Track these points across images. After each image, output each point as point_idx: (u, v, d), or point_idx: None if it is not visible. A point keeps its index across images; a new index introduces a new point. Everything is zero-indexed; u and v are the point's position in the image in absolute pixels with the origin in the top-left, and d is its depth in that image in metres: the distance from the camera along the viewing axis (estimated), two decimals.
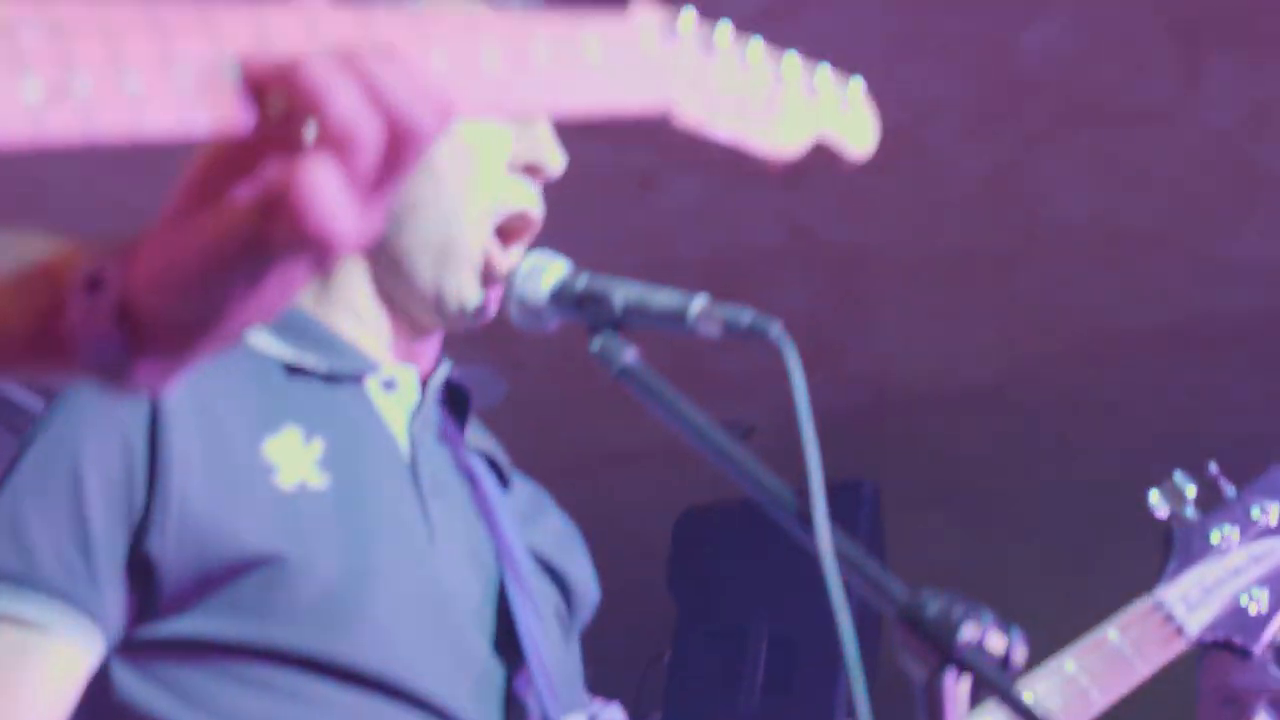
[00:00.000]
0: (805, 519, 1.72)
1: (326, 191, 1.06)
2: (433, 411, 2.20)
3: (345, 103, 1.06)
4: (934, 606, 1.59)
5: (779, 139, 1.51)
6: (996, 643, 1.57)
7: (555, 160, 2.16)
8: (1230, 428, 7.16)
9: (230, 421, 1.96)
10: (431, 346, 2.24)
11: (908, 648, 1.58)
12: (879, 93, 5.54)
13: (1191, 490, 2.48)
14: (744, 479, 1.82)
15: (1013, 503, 7.93)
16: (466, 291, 2.12)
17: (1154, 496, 2.46)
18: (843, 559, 1.68)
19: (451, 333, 2.22)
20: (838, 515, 1.65)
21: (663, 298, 1.92)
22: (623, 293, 1.95)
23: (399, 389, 2.17)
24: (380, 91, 1.08)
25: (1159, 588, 2.35)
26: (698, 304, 1.89)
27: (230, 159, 1.11)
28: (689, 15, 1.43)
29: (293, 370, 2.09)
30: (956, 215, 5.92)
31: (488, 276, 2.12)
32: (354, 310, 2.17)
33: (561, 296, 1.99)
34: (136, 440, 1.89)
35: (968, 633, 1.56)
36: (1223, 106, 5.26)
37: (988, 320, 6.58)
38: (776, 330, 1.83)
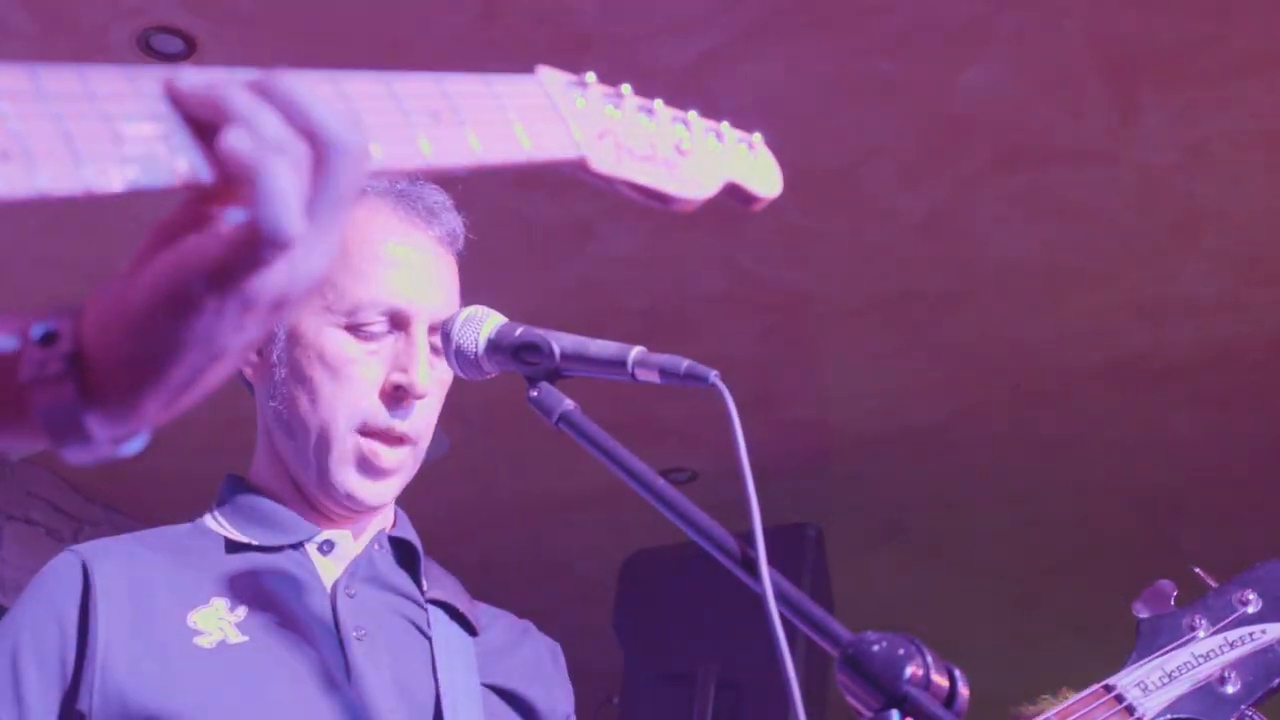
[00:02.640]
0: (748, 563, 1.72)
1: (286, 183, 1.10)
2: (374, 565, 2.31)
3: (272, 121, 1.11)
4: (877, 647, 1.58)
5: (688, 185, 1.57)
6: (940, 682, 1.56)
7: (420, 383, 2.25)
8: (1172, 464, 7.20)
9: (161, 597, 2.16)
10: (378, 518, 2.38)
11: (851, 689, 1.58)
12: (817, 137, 5.65)
13: (1173, 592, 2.49)
14: (685, 524, 1.82)
15: (956, 542, 7.95)
16: (348, 483, 2.26)
17: (1137, 605, 2.47)
18: (786, 602, 1.67)
19: (358, 518, 2.34)
20: (783, 558, 1.66)
21: (600, 346, 1.93)
22: (560, 342, 1.95)
23: (337, 549, 2.30)
24: (299, 110, 1.13)
25: (1114, 675, 2.33)
26: (635, 352, 1.89)
27: (177, 221, 1.16)
28: (592, 75, 1.50)
29: (233, 545, 2.28)
30: (896, 257, 5.95)
31: (369, 468, 2.26)
32: (288, 486, 2.33)
33: (498, 346, 2.00)
34: (68, 615, 2.13)
35: (911, 673, 1.55)
36: (1160, 145, 5.31)
37: (929, 361, 6.60)
38: (713, 376, 1.83)
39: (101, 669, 2.08)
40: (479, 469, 7.00)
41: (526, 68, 1.47)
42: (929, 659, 1.57)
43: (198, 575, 2.21)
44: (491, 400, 6.75)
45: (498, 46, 4.83)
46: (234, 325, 1.15)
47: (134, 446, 1.23)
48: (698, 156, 1.61)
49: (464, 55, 4.81)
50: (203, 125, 1.12)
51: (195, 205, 1.15)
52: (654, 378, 1.88)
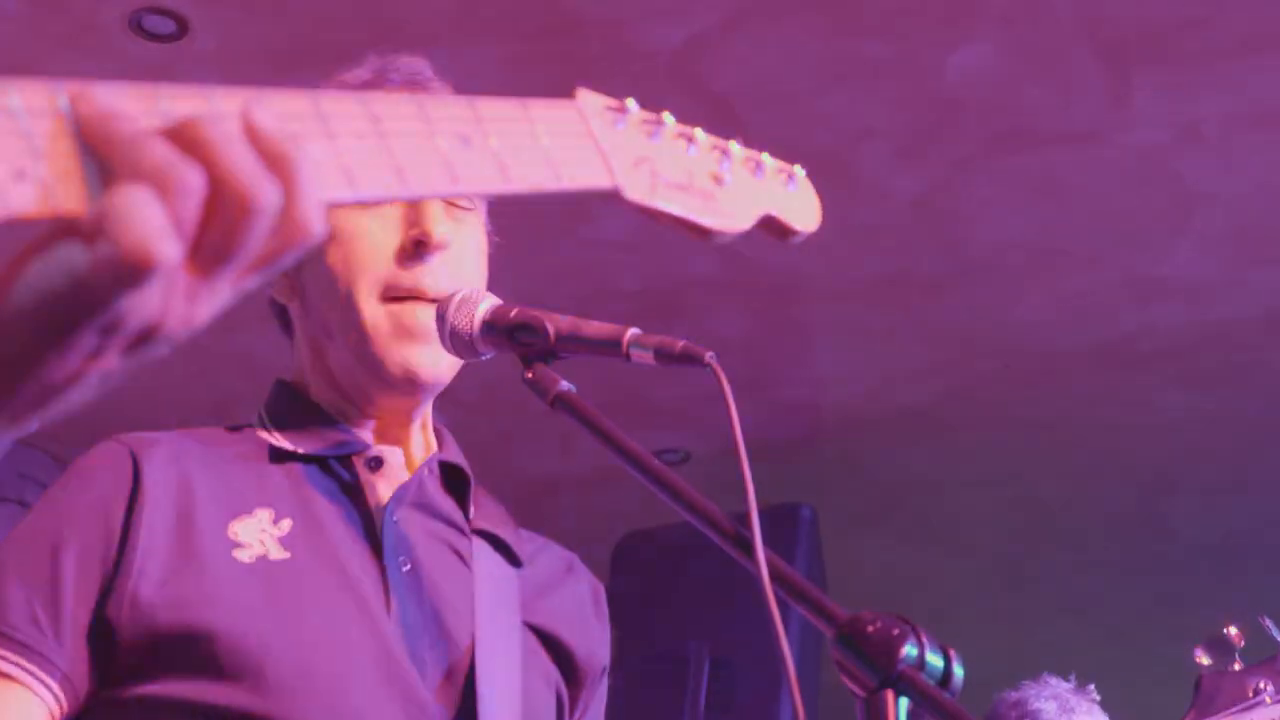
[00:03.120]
0: (743, 543, 1.72)
1: (144, 208, 1.02)
2: (423, 490, 2.23)
3: (159, 148, 1.04)
4: (872, 627, 1.58)
5: (725, 217, 1.55)
6: (935, 662, 1.56)
7: (433, 231, 2.16)
8: (1162, 443, 7.22)
9: (204, 502, 2.05)
10: (421, 431, 2.29)
11: (847, 669, 1.57)
12: (808, 120, 5.65)
13: (1238, 643, 2.38)
14: (679, 504, 1.81)
15: (947, 523, 7.97)
16: (396, 356, 2.16)
17: (1200, 652, 2.36)
18: (781, 582, 1.67)
19: (416, 403, 2.24)
20: (776, 538, 1.66)
21: (595, 327, 1.93)
22: (555, 323, 1.95)
23: (386, 467, 2.21)
24: (202, 144, 1.06)
25: None
26: (630, 333, 1.89)
27: (43, 240, 1.07)
28: (632, 101, 1.48)
29: (278, 453, 2.19)
30: (888, 239, 5.95)
31: (408, 334, 2.16)
32: (337, 396, 2.24)
33: (494, 327, 1.99)
34: (115, 514, 2.01)
35: (906, 653, 1.55)
36: (1151, 125, 5.32)
37: (921, 342, 6.61)
38: (709, 356, 1.83)
39: (137, 576, 1.96)
40: (470, 451, 6.94)
41: (518, 50, 1.46)
42: (924, 639, 1.57)
43: (242, 481, 2.12)
44: (483, 383, 6.75)
45: (489, 27, 4.82)
46: (90, 353, 1.09)
47: None
48: (736, 187, 1.59)
49: (455, 35, 4.80)
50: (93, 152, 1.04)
51: (64, 226, 1.05)
52: (649, 359, 1.88)
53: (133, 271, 1.02)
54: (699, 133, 1.57)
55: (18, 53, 4.96)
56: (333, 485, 2.16)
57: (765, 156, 1.65)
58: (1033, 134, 5.39)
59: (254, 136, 1.08)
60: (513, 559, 2.27)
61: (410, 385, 2.17)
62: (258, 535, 2.05)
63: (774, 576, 1.68)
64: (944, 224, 5.86)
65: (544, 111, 1.38)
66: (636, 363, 1.90)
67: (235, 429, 2.26)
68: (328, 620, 2.02)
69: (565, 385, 1.93)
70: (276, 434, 2.21)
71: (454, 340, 2.03)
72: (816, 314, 6.46)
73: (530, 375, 1.95)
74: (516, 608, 2.22)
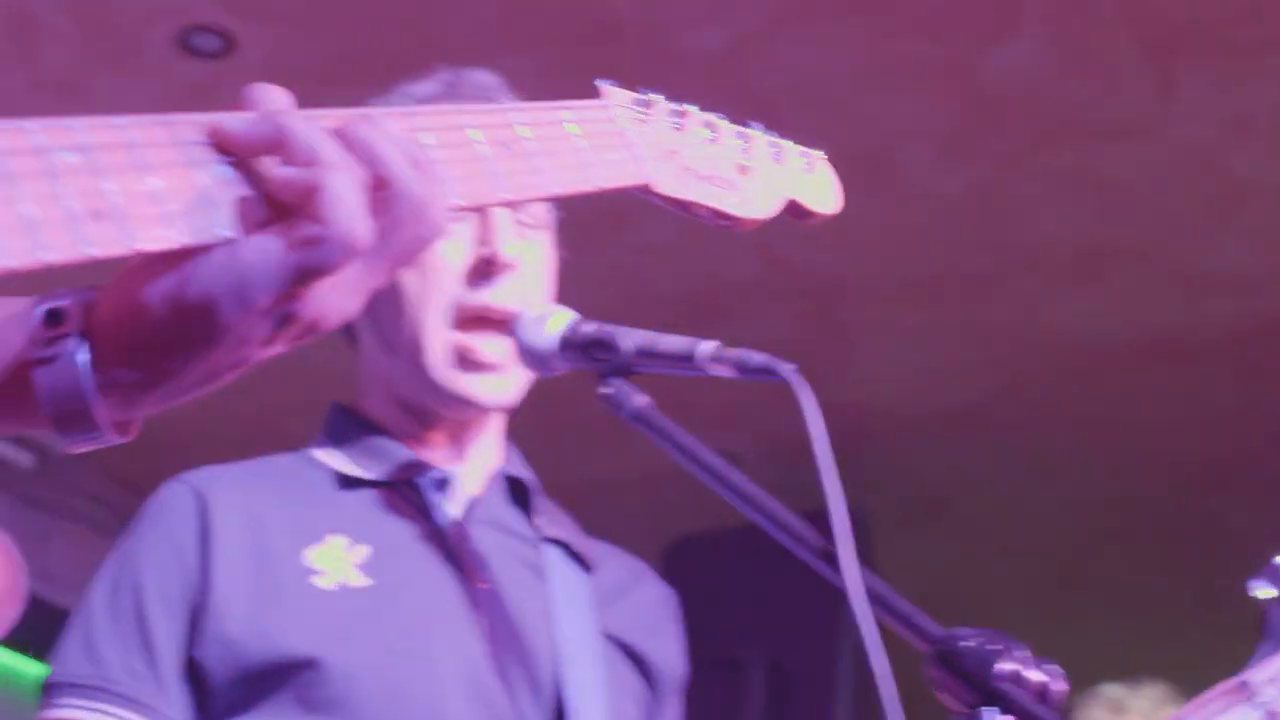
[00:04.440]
0: (829, 558, 1.70)
1: (344, 193, 1.09)
2: (491, 506, 2.22)
3: (332, 145, 1.11)
4: (968, 643, 1.57)
5: (750, 205, 1.59)
6: (1033, 678, 1.55)
7: (503, 250, 2.15)
8: (1214, 439, 7.17)
9: (276, 533, 2.05)
10: (485, 442, 2.27)
11: (944, 686, 1.56)
12: (851, 121, 5.63)
13: None
14: (764, 518, 1.80)
15: (997, 522, 7.93)
16: (455, 385, 2.15)
17: (1259, 586, 2.31)
18: (873, 597, 1.66)
19: (476, 421, 2.23)
20: (829, 535, 1.65)
21: (671, 341, 1.91)
22: (631, 338, 1.93)
23: (452, 486, 2.19)
24: (356, 140, 1.13)
25: (1247, 670, 2.18)
26: (706, 347, 1.88)
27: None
28: (658, 96, 1.52)
29: (346, 480, 2.17)
30: (932, 238, 5.93)
31: (471, 365, 2.15)
32: (399, 414, 2.23)
33: (570, 343, 1.98)
34: (190, 556, 2.02)
35: (1004, 668, 1.53)
36: (1198, 119, 5.28)
37: (967, 342, 6.58)
38: (786, 368, 1.81)
39: (218, 612, 1.97)
40: (522, 451, 6.92)
41: (560, 57, 1.47)
42: (1022, 654, 1.56)
43: (311, 510, 2.11)
44: (534, 382, 6.68)
45: (532, 35, 4.81)
46: (264, 338, 1.13)
47: (128, 435, 1.20)
48: (759, 174, 1.63)
49: (499, 44, 4.79)
50: (252, 164, 1.12)
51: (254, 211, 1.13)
52: (726, 372, 1.86)
53: (340, 252, 1.09)
54: (722, 121, 1.60)
55: (68, 72, 4.97)
56: (402, 507, 2.15)
57: (785, 143, 1.69)
58: (1078, 130, 5.36)
59: (397, 139, 1.15)
60: (584, 565, 2.25)
61: (467, 409, 2.18)
62: (335, 563, 2.04)
63: (866, 591, 1.66)
64: (989, 222, 5.83)
65: (575, 113, 1.40)
66: (713, 375, 1.88)
67: (293, 454, 2.25)
68: (416, 644, 2.01)
69: (643, 400, 1.92)
70: (340, 458, 2.20)
71: (529, 356, 2.02)
72: (861, 315, 6.43)
73: (608, 390, 1.93)
74: (593, 616, 2.20)
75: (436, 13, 4.79)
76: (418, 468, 2.18)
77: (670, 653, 2.30)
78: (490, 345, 2.13)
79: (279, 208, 1.11)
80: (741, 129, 1.64)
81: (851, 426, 7.14)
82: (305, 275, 1.10)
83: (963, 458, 7.44)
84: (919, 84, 5.15)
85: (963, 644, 1.57)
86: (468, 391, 2.14)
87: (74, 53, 4.89)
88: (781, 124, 1.80)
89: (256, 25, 4.84)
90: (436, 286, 2.14)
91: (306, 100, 1.16)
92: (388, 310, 2.16)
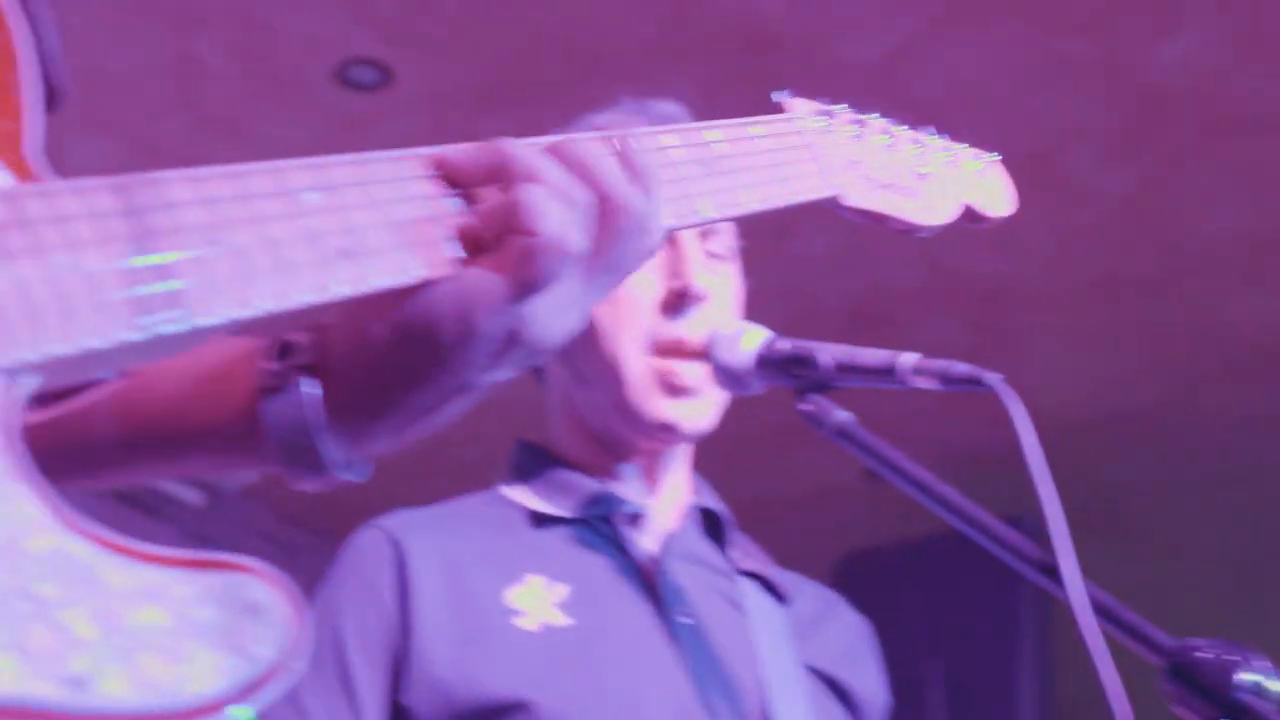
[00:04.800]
0: (1049, 571, 1.65)
1: (556, 202, 1.11)
2: (685, 540, 2.19)
3: (552, 168, 1.13)
4: (1205, 653, 1.51)
5: (930, 212, 1.59)
6: (1274, 688, 1.49)
7: (695, 282, 2.14)
8: None
9: (475, 574, 2.03)
10: (677, 474, 2.25)
11: (1181, 699, 1.51)
12: (1013, 123, 5.55)
13: None
14: (975, 529, 1.76)
15: (1175, 528, 7.79)
16: (656, 410, 2.12)
17: None
18: (1100, 611, 1.60)
19: (672, 448, 2.21)
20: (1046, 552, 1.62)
21: (871, 355, 1.88)
22: (829, 353, 1.90)
23: (647, 521, 2.18)
24: (585, 165, 1.15)
25: None
26: (907, 359, 1.84)
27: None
28: (841, 106, 1.52)
29: (539, 518, 2.16)
30: (1100, 239, 5.83)
31: (672, 390, 2.13)
32: (591, 448, 2.21)
33: (766, 360, 1.95)
34: (389, 603, 2.01)
35: (1245, 679, 1.48)
36: None
37: (1137, 344, 6.47)
38: (992, 377, 1.77)
39: (423, 658, 1.95)
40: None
41: (718, 73, 1.45)
42: (1262, 664, 1.50)
43: (507, 550, 2.09)
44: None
45: (687, 51, 4.79)
46: (488, 362, 1.14)
47: (359, 474, 1.21)
48: (936, 180, 1.63)
49: (655, 64, 4.78)
50: (475, 194, 1.14)
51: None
52: (929, 384, 1.82)
53: (554, 262, 1.10)
54: (899, 128, 1.61)
55: (227, 110, 5.03)
56: (597, 544, 2.13)
57: (960, 146, 1.69)
58: (1248, 121, 5.24)
59: (618, 154, 1.19)
60: (780, 597, 2.22)
61: (668, 436, 2.15)
62: (535, 603, 2.02)
63: (1093, 606, 1.61)
64: (1159, 220, 5.72)
65: (765, 127, 1.41)
66: (915, 389, 1.85)
67: (482, 494, 2.23)
68: (622, 684, 1.99)
69: (844, 416, 1.88)
70: (531, 496, 2.19)
71: (725, 376, 2.00)
72: (1028, 320, 6.35)
73: (807, 407, 1.90)
74: (793, 649, 2.17)
75: (591, 34, 4.78)
76: (612, 502, 2.16)
77: (872, 682, 2.26)
78: (690, 370, 2.10)
79: (498, 232, 1.12)
80: (917, 135, 1.64)
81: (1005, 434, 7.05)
82: (523, 290, 1.10)
83: (1135, 462, 7.32)
84: (1081, 82, 5.06)
85: (1199, 655, 1.52)
86: (669, 417, 2.12)
87: (235, 91, 4.95)
88: (942, 129, 1.78)
89: (413, 56, 4.86)
90: (631, 317, 2.13)
91: (465, 128, 1.17)
92: (580, 341, 2.14)
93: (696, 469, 2.31)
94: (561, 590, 2.04)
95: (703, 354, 2.05)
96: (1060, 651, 6.41)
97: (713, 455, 2.27)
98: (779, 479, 7.14)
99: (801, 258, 5.84)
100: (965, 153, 1.70)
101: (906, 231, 1.58)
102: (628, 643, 2.02)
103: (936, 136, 1.67)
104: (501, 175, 1.13)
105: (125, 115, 5.00)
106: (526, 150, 1.14)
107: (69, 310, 0.90)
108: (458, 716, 1.94)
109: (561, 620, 2.01)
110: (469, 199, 1.13)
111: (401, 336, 1.12)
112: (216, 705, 0.85)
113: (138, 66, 4.86)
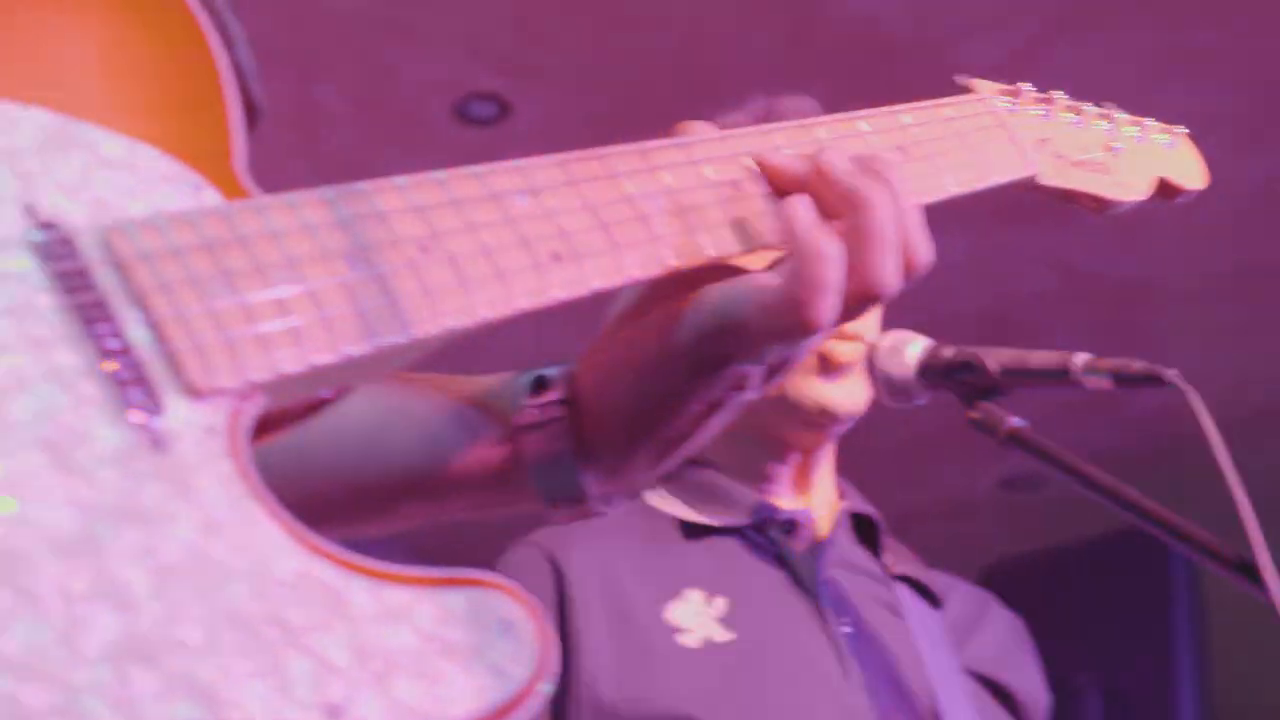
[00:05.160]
0: (1247, 570, 1.61)
1: (838, 274, 1.09)
2: (840, 546, 2.17)
3: (888, 201, 1.13)
4: None
5: (1123, 187, 1.56)
6: None
7: None
8: None
9: (632, 590, 2.02)
10: (826, 477, 2.24)
11: None
12: (1142, 116, 5.38)
13: None
14: (1165, 530, 1.72)
15: None
16: (814, 392, 2.11)
17: None
18: None
19: (827, 437, 2.19)
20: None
21: (1041, 357, 1.85)
22: (995, 357, 1.87)
23: (800, 529, 2.15)
24: (880, 170, 1.14)
25: None
26: (1080, 358, 1.81)
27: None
28: (1026, 86, 1.50)
29: (691, 528, 2.13)
30: (1234, 231, 5.72)
31: (831, 369, 2.10)
32: (747, 463, 2.18)
33: (930, 369, 1.93)
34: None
35: None
36: None
37: (1273, 337, 6.36)
38: (1170, 373, 1.74)
39: (587, 677, 1.94)
40: None
41: (840, 84, 1.43)
42: None
43: (662, 563, 2.07)
44: None
45: (807, 65, 4.76)
46: (735, 383, 1.12)
47: (616, 505, 1.21)
48: (1127, 155, 1.60)
49: (777, 78, 4.74)
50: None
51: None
52: (1105, 384, 1.80)
53: (802, 334, 1.08)
54: (1085, 105, 1.59)
55: (347, 153, 5.05)
56: (751, 554, 2.11)
57: (1148, 120, 1.68)
58: None
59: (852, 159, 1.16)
60: (933, 600, 2.20)
61: (826, 419, 2.12)
62: (695, 618, 2.00)
63: None
64: None
65: (955, 110, 1.39)
66: (1090, 390, 1.81)
67: (628, 504, 2.20)
68: (791, 697, 1.97)
69: (1016, 421, 1.85)
70: (679, 505, 2.16)
71: (889, 387, 1.97)
72: (1164, 317, 6.25)
73: (975, 414, 1.87)
74: (954, 652, 2.14)
75: (706, 56, 4.76)
76: (765, 510, 2.14)
77: (1033, 682, 2.25)
78: (848, 348, 2.09)
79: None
80: (1104, 110, 1.62)
81: (1162, 437, 6.94)
82: (792, 320, 1.09)
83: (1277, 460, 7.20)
84: (1209, 74, 4.98)
85: None
86: (829, 399, 2.09)
87: (353, 133, 4.97)
88: None
89: (529, 87, 4.87)
90: None
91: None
92: None
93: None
94: (721, 604, 2.01)
95: (858, 335, 2.04)
96: (1218, 655, 6.30)
97: (848, 471, 2.25)
98: (915, 493, 7.07)
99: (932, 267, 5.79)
100: (1153, 126, 1.68)
101: (1100, 209, 1.55)
102: (792, 655, 2.00)
103: (1120, 110, 1.65)
104: (819, 190, 1.12)
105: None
106: (852, 173, 1.13)
107: (304, 326, 0.91)
108: None
109: (724, 635, 1.98)
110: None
111: (662, 363, 1.12)
112: None
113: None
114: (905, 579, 2.20)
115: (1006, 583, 6.92)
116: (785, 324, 1.08)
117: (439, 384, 1.24)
